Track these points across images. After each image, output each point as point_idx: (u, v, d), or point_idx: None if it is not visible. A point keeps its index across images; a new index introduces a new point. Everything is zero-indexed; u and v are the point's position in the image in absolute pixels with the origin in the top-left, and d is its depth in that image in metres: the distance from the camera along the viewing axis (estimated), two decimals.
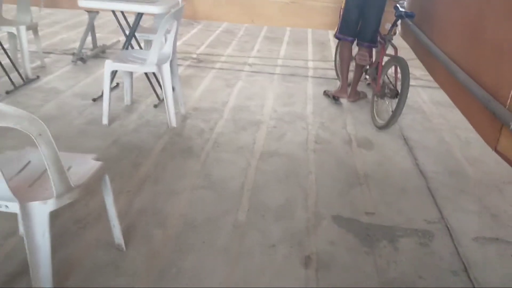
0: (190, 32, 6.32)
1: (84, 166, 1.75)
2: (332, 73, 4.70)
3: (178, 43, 5.19)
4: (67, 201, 1.58)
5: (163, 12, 3.24)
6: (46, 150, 1.43)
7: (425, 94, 4.29)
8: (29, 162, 1.79)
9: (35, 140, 1.39)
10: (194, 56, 5.14)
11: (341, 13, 3.78)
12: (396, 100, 3.27)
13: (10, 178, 1.69)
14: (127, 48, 3.59)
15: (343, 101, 3.97)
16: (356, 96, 3.94)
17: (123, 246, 1.98)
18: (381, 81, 3.51)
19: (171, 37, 3.18)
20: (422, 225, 2.34)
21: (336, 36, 3.87)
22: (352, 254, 2.09)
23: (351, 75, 3.95)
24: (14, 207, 1.51)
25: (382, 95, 3.46)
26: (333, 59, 4.77)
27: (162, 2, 3.26)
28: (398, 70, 3.34)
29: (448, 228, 2.32)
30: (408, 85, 3.17)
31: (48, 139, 1.42)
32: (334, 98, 3.94)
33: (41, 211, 1.54)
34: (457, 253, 2.13)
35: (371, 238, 2.21)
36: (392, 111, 3.28)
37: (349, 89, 3.90)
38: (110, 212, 1.90)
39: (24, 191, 1.63)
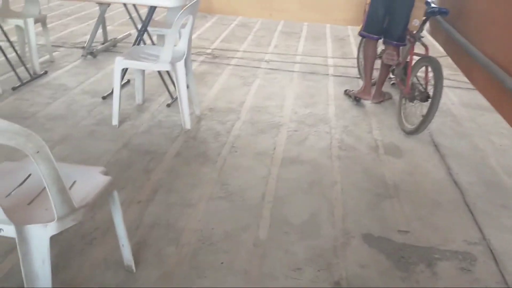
0: (204, 25, 6.10)
1: (90, 181, 1.56)
2: (354, 71, 4.45)
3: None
4: (71, 223, 1.39)
5: (178, 5, 3.03)
6: (45, 169, 1.23)
7: (454, 95, 4.02)
8: (30, 175, 1.59)
9: (32, 159, 1.19)
10: (209, 51, 4.92)
11: (367, 9, 3.53)
12: (427, 103, 3.03)
13: (8, 194, 1.50)
14: (138, 44, 3.38)
15: (366, 102, 3.72)
16: (381, 98, 3.69)
17: (133, 267, 1.78)
18: (410, 83, 3.26)
19: (186, 32, 2.96)
20: (462, 247, 2.11)
21: (360, 34, 3.62)
22: (385, 280, 1.88)
23: (375, 74, 3.71)
24: (9, 230, 1.32)
25: (411, 98, 3.20)
26: (355, 56, 4.52)
27: None
28: (429, 71, 3.10)
29: (491, 250, 2.09)
30: (442, 88, 2.93)
31: (47, 156, 1.22)
32: (356, 99, 3.70)
33: (40, 235, 1.35)
34: (504, 281, 1.91)
35: (406, 261, 1.99)
36: (422, 115, 3.04)
37: (372, 90, 3.66)
38: (119, 231, 1.70)
39: (22, 210, 1.44)
